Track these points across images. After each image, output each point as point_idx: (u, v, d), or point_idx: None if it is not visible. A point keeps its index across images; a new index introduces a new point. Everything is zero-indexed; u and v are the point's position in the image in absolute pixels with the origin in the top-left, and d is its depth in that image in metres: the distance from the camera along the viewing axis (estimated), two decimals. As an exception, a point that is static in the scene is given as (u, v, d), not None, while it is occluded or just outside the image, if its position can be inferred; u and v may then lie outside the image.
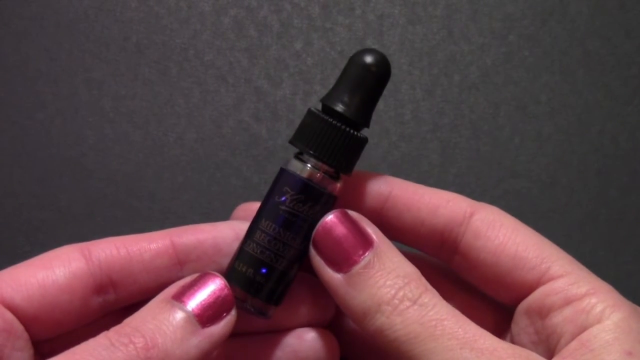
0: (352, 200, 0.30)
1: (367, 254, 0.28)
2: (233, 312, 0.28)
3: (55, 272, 0.28)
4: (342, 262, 0.28)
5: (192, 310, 0.27)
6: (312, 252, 0.29)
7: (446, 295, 0.32)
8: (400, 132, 0.46)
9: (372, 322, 0.28)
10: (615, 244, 0.45)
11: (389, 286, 0.28)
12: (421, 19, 0.47)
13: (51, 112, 0.45)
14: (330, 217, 0.29)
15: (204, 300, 0.27)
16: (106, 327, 0.27)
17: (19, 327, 0.28)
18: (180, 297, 0.27)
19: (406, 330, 0.27)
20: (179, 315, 0.27)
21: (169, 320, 0.26)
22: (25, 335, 0.28)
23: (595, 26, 0.47)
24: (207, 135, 0.45)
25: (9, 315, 0.27)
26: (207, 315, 0.27)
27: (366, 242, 0.29)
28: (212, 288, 0.28)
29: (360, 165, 0.30)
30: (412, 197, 0.30)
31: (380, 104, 0.46)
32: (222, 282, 0.28)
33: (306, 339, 0.31)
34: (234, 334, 0.29)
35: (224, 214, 0.34)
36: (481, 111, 0.46)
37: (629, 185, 0.46)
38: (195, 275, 0.29)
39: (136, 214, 0.45)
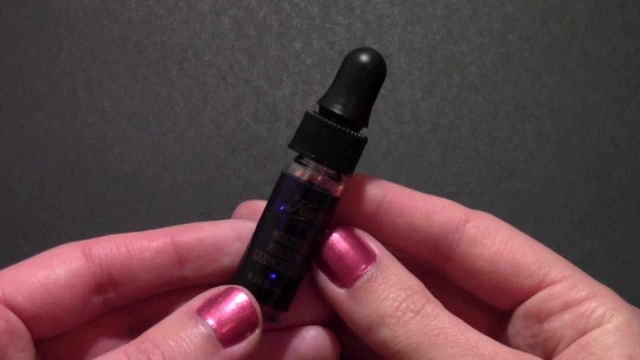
0: (345, 203, 0.30)
1: (369, 267, 0.28)
2: (257, 332, 0.27)
3: (56, 271, 0.28)
4: (345, 276, 0.28)
5: (215, 328, 0.26)
6: (316, 268, 0.29)
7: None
8: (399, 132, 0.46)
9: (376, 335, 0.28)
10: (615, 244, 0.45)
11: (392, 299, 0.28)
12: (420, 19, 0.47)
13: (51, 112, 0.45)
14: (333, 234, 0.29)
15: (227, 318, 0.27)
16: (106, 325, 0.27)
17: (21, 327, 0.28)
18: (204, 311, 0.27)
19: (409, 341, 0.27)
20: (201, 333, 0.26)
21: (190, 338, 0.26)
22: (27, 335, 0.28)
23: (595, 26, 0.47)
24: (207, 135, 0.45)
25: (12, 316, 0.27)
26: (230, 335, 0.27)
27: (369, 257, 0.29)
28: (237, 305, 0.27)
29: (359, 166, 0.30)
30: (406, 202, 0.30)
31: (380, 104, 0.46)
32: (248, 299, 0.27)
33: (306, 337, 0.31)
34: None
35: (223, 214, 0.34)
36: (480, 111, 0.46)
37: (629, 185, 0.46)
38: (222, 288, 0.28)
39: (136, 214, 0.45)
